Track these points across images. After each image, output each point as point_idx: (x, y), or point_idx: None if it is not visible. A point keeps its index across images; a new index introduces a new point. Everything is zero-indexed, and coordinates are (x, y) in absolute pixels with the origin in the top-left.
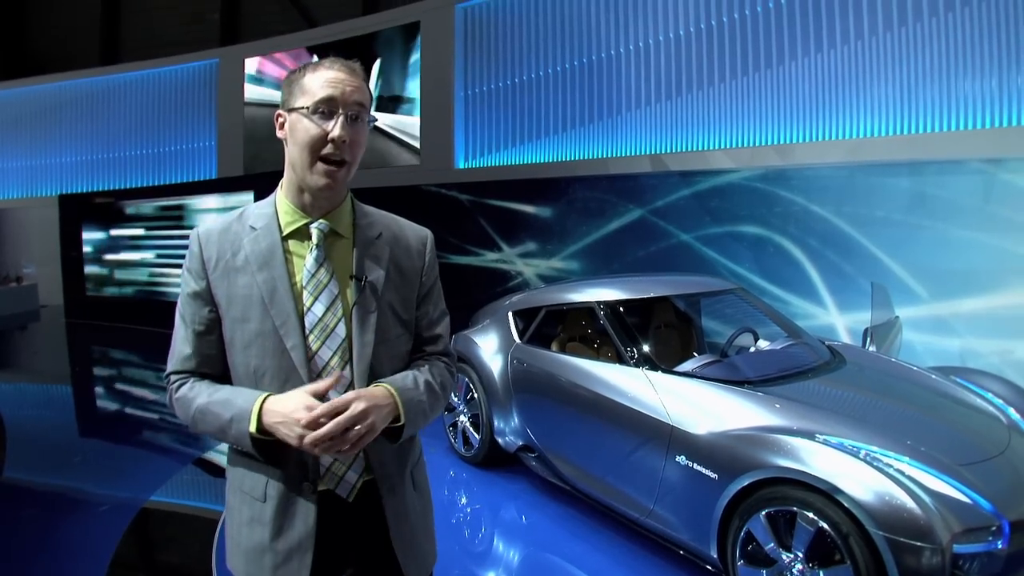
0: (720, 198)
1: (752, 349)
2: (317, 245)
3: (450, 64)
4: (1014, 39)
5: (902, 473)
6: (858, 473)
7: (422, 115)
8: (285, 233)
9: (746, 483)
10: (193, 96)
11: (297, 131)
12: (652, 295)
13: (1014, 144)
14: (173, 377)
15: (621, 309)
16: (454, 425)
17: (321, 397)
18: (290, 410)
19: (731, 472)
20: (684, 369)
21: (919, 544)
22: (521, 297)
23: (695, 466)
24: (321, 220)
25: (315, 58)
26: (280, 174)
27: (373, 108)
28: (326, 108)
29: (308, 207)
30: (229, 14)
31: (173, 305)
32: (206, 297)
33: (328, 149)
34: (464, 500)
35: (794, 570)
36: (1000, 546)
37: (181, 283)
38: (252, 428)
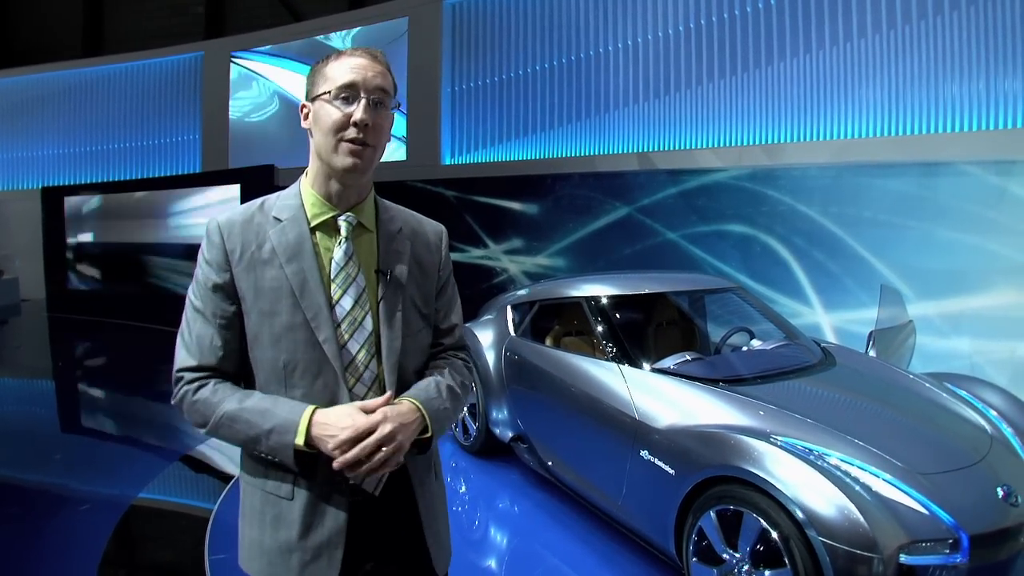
0: (707, 197)
1: (744, 348)
2: (347, 238)
3: (437, 60)
4: (1002, 43)
5: (854, 479)
6: (803, 476)
7: (409, 111)
8: (312, 225)
9: (698, 480)
10: (177, 89)
11: (321, 117)
12: (644, 291)
13: (1001, 147)
14: (189, 375)
15: (607, 304)
16: None
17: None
18: (340, 426)
19: (686, 468)
20: (662, 366)
21: (859, 552)
22: (520, 292)
23: (656, 461)
24: (348, 213)
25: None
26: (266, 169)
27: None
28: (348, 93)
29: (335, 199)
30: (214, 6)
31: (156, 300)
32: (229, 290)
33: (351, 133)
34: (461, 487)
35: (742, 570)
36: (960, 560)
37: (198, 276)
38: (300, 440)
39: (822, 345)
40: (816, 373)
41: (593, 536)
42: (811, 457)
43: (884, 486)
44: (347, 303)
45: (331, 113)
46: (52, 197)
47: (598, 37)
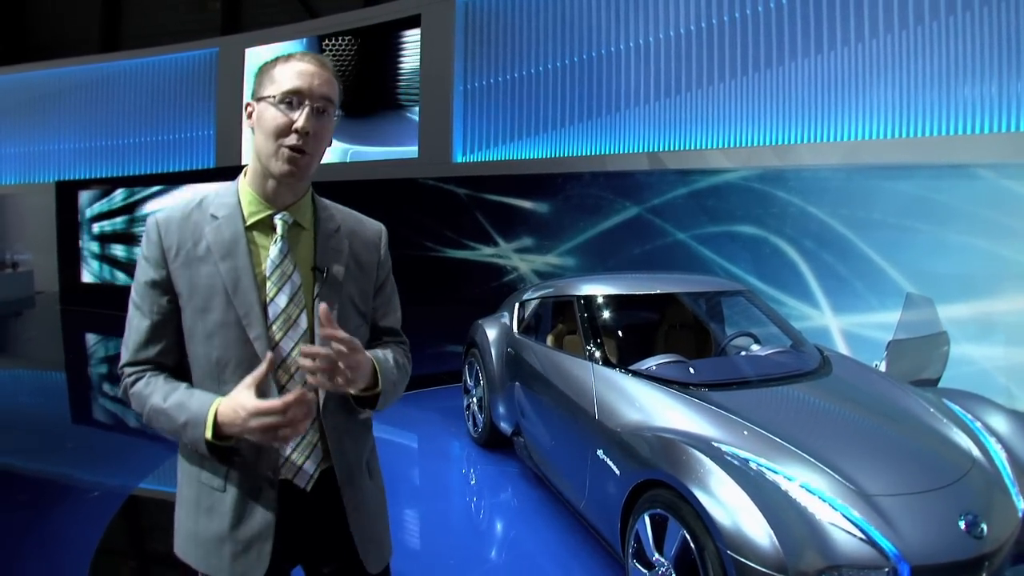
0: (717, 197)
1: (743, 353)
2: (282, 236)
3: (450, 58)
4: (1015, 44)
5: (784, 495)
6: (723, 487)
7: (421, 109)
8: (248, 223)
9: (636, 482)
10: (193, 85)
11: (264, 119)
12: (641, 292)
13: (1012, 149)
14: (128, 370)
15: (594, 304)
16: (468, 407)
17: (263, 387)
18: (241, 422)
19: (629, 470)
20: (638, 367)
21: (766, 571)
22: (531, 289)
23: (608, 461)
24: (284, 212)
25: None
26: None
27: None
28: (294, 99)
29: (272, 198)
30: (230, 3)
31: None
32: (165, 286)
33: (292, 140)
34: (472, 480)
35: None
36: None
37: (137, 272)
38: (208, 435)
39: (825, 353)
40: (803, 382)
41: (570, 535)
42: (743, 469)
43: (819, 505)
44: (282, 301)
45: (274, 117)
46: (66, 191)
47: (609, 36)
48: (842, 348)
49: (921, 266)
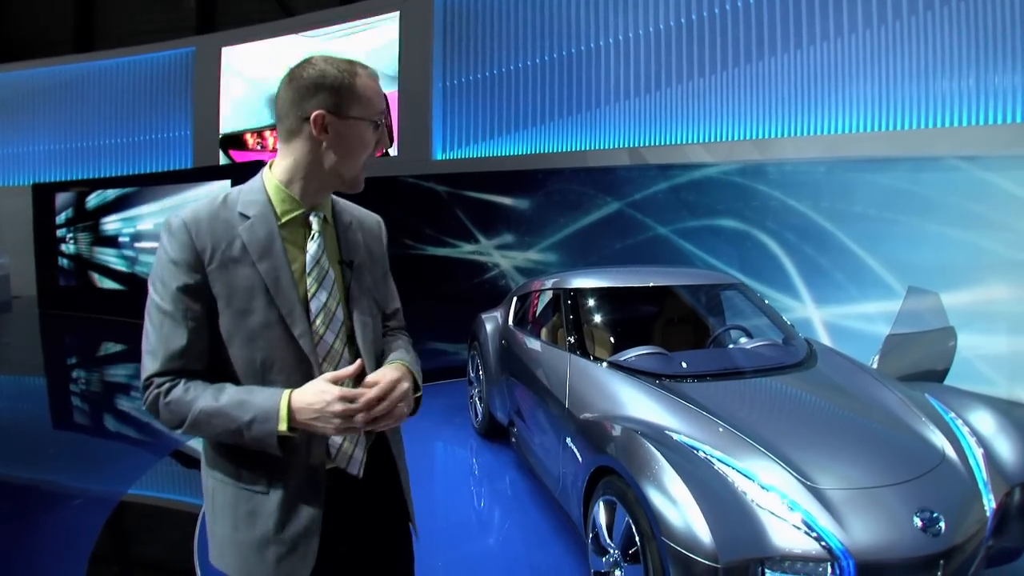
0: (698, 192)
1: (731, 346)
2: (319, 233)
3: (428, 55)
4: (992, 39)
5: (729, 486)
6: (666, 476)
7: (400, 106)
8: (282, 221)
9: (592, 469)
10: (169, 85)
11: (353, 139)
12: (625, 285)
13: (990, 142)
14: (158, 380)
15: (575, 296)
16: (471, 398)
17: (338, 384)
18: (323, 404)
19: (588, 457)
20: (615, 358)
21: (697, 559)
22: (528, 282)
23: (574, 448)
24: (315, 210)
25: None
26: (256, 165)
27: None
28: (381, 120)
29: (310, 198)
30: (205, 2)
31: (145, 295)
32: (200, 291)
33: (373, 155)
34: (474, 469)
35: (620, 562)
36: None
37: (163, 277)
38: (283, 427)
39: (813, 347)
40: (781, 375)
41: (552, 522)
42: (689, 458)
43: (763, 496)
44: (323, 296)
45: (368, 137)
46: (43, 193)
47: (589, 32)
48: (824, 339)
49: (901, 257)
